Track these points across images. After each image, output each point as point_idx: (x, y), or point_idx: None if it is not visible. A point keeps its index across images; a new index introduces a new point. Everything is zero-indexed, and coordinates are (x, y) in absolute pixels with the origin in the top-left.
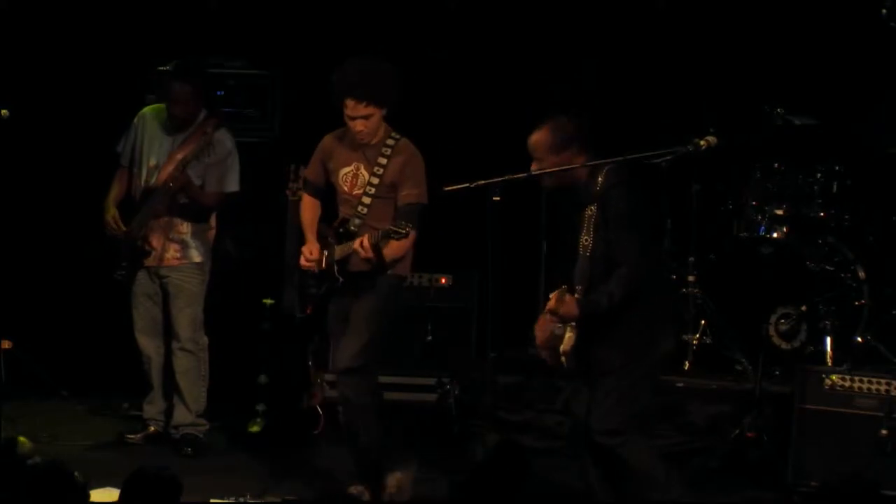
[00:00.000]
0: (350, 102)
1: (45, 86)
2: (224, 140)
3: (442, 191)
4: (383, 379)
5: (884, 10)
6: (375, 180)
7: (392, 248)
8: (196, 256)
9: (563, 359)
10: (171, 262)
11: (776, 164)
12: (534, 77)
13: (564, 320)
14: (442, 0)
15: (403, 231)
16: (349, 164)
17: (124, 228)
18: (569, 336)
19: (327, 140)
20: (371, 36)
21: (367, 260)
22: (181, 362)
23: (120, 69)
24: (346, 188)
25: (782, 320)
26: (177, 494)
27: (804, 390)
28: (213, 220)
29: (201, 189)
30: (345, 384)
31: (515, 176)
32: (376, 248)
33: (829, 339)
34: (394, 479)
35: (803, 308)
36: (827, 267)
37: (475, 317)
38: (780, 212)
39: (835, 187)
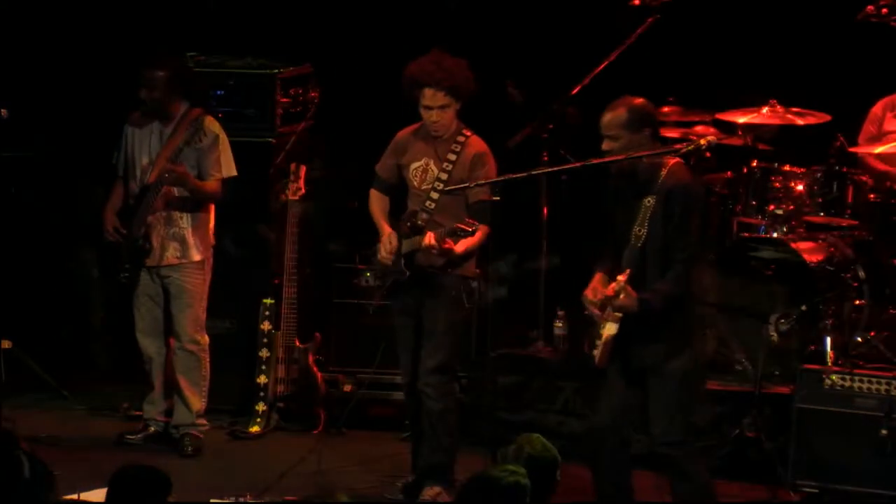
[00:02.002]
0: (428, 92)
1: (44, 85)
2: (211, 126)
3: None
4: (383, 378)
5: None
6: (444, 175)
7: (464, 241)
8: (196, 255)
9: (596, 350)
10: (172, 261)
11: (776, 164)
12: (534, 77)
13: (620, 310)
14: (442, 0)
15: (470, 230)
16: (420, 160)
17: (123, 231)
18: (609, 326)
19: (401, 135)
20: (371, 35)
21: (438, 255)
22: (182, 362)
23: (119, 69)
24: (415, 183)
25: (782, 320)
26: (165, 491)
27: (804, 390)
28: (211, 213)
29: (198, 178)
30: (428, 386)
31: (515, 176)
32: (443, 243)
33: (829, 339)
34: (432, 492)
35: (803, 308)
36: (827, 267)
37: (475, 317)
38: (780, 212)
39: (835, 187)
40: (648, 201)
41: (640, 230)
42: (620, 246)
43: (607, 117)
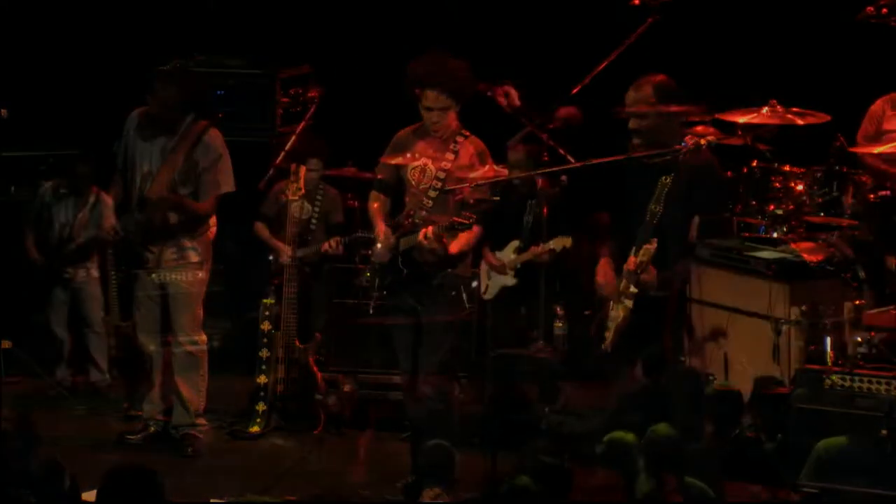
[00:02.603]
0: (431, 93)
1: (44, 85)
2: (214, 142)
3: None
4: (383, 378)
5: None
6: (442, 175)
7: (459, 241)
8: (194, 257)
9: (607, 332)
10: (170, 263)
11: (776, 164)
12: (533, 76)
13: (641, 285)
14: (441, 0)
15: (468, 222)
16: (418, 159)
17: (121, 234)
18: (626, 303)
19: (401, 134)
20: (371, 36)
21: (433, 251)
22: (181, 361)
23: (118, 69)
24: (413, 182)
25: (782, 320)
26: (156, 492)
27: (804, 390)
28: (212, 219)
29: (195, 195)
30: (428, 385)
31: (515, 176)
32: (440, 239)
33: (828, 339)
34: (431, 493)
35: (803, 307)
36: (827, 267)
37: (475, 317)
38: (780, 212)
39: (835, 187)
40: (665, 179)
41: (655, 207)
42: (634, 223)
43: (633, 96)
